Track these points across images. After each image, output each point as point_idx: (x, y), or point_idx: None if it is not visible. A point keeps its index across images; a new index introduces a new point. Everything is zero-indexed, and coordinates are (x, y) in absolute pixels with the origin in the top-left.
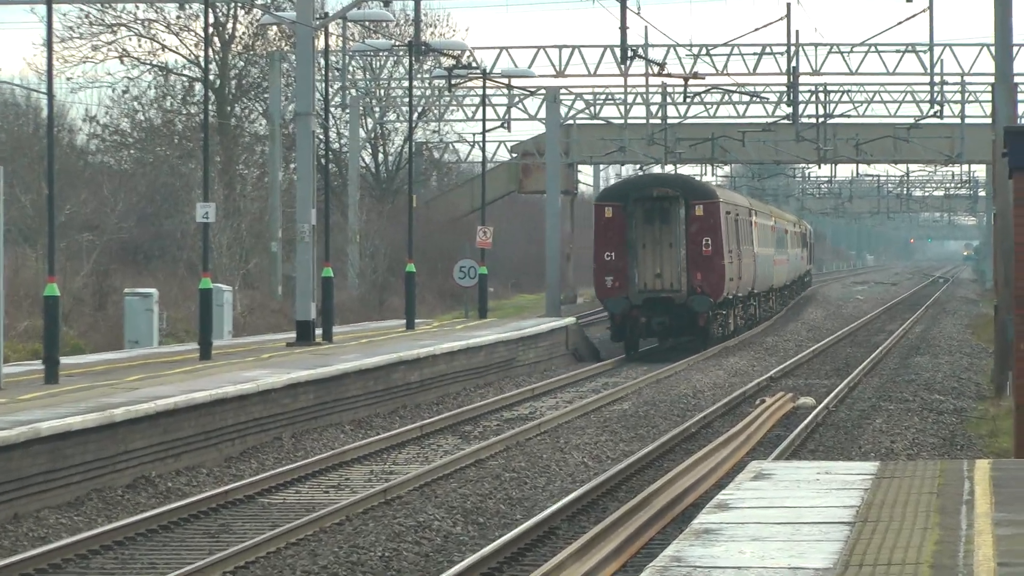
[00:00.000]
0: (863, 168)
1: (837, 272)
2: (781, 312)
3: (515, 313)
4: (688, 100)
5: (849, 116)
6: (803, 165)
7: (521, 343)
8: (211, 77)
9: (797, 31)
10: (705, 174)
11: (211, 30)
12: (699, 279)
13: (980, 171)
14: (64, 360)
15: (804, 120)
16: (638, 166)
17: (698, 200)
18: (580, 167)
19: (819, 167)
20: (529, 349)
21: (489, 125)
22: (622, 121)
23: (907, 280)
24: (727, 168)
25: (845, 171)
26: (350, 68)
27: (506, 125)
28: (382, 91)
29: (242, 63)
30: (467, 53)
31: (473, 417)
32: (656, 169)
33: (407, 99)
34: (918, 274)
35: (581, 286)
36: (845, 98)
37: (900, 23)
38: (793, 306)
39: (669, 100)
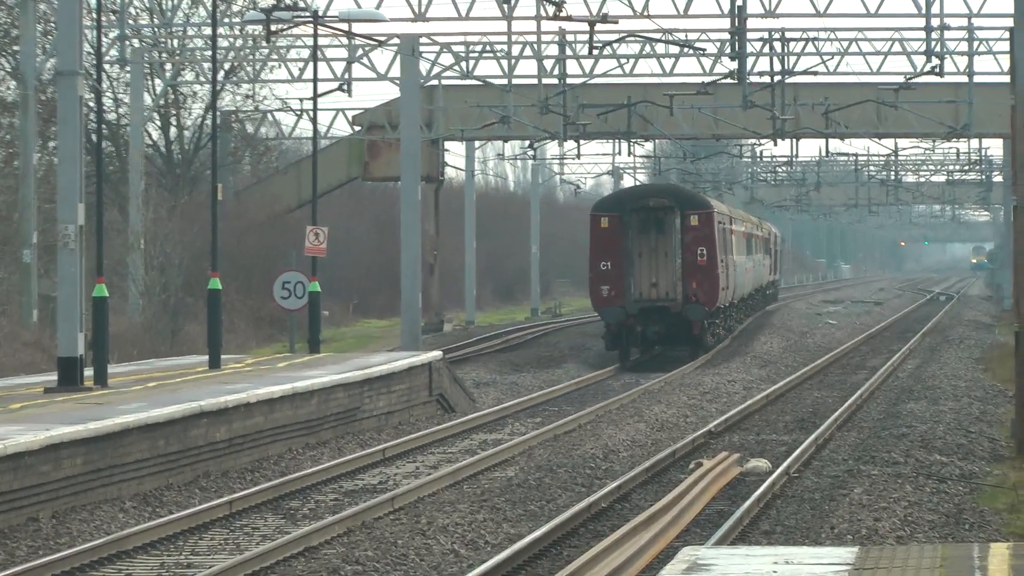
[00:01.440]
0: (835, 144)
1: (800, 288)
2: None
3: (359, 345)
4: (596, 53)
5: (816, 74)
6: (753, 141)
7: (368, 387)
8: None
9: None
10: (619, 153)
11: None
12: (694, 288)
13: (995, 147)
14: None
15: (754, 79)
16: (527, 143)
17: (693, 210)
18: (448, 145)
19: (775, 143)
20: (379, 395)
21: (323, 88)
22: (505, 82)
23: (896, 298)
24: (648, 145)
25: (810, 149)
26: (132, 10)
27: (346, 88)
28: (175, 42)
29: None
30: None
31: (302, 489)
32: (551, 146)
33: (209, 52)
34: (911, 289)
35: (450, 307)
36: (810, 49)
37: None
38: (743, 332)
39: (570, 53)
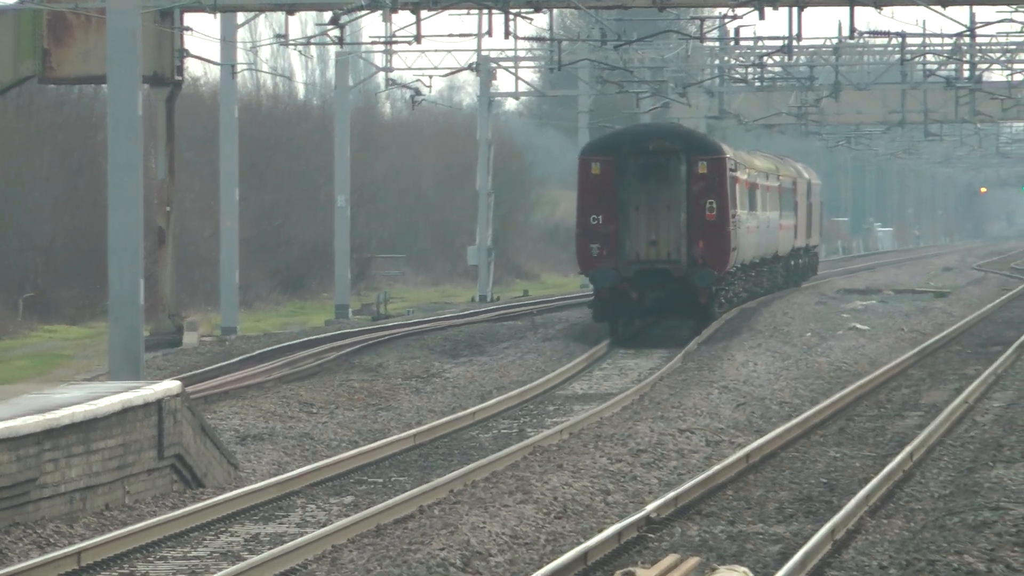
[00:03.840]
0: (865, 17)
1: None
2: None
3: (37, 370)
4: None
5: None
6: (722, 12)
7: (51, 443)
8: None
9: None
10: (488, 33)
11: None
12: (701, 248)
13: None
14: None
15: None
16: (327, 17)
17: (702, 156)
18: (190, 20)
19: (760, 15)
20: (70, 457)
21: None
22: None
23: (972, 284)
24: (541, 19)
25: (823, 24)
26: None
27: None
28: None
29: None
30: None
31: None
32: (370, 22)
33: None
34: (998, 268)
35: (195, 305)
36: None
37: None
38: (709, 341)
39: None
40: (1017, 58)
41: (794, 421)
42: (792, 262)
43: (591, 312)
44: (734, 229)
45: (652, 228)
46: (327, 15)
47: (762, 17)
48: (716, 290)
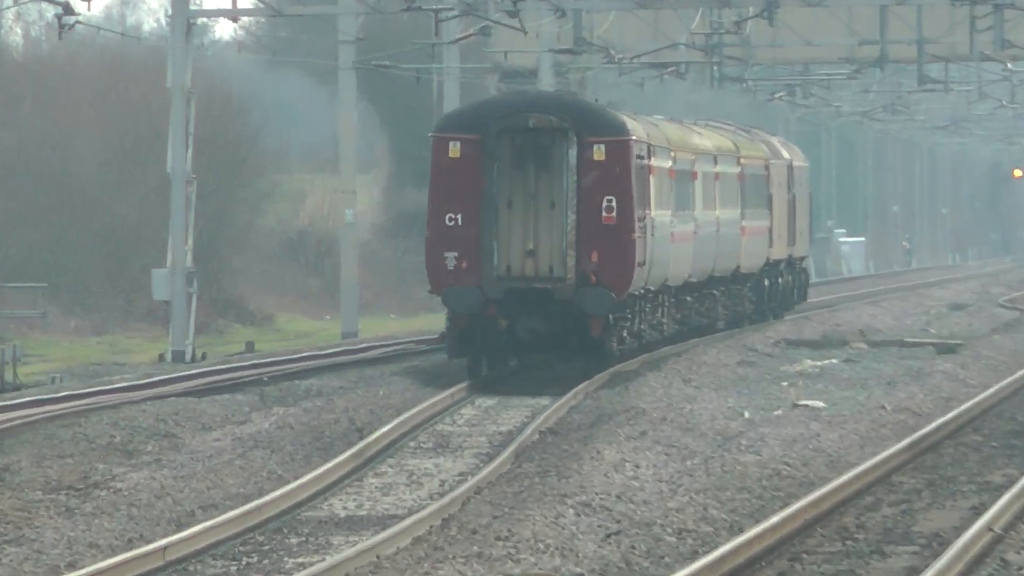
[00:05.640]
0: None
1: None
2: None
3: None
4: None
5: None
6: None
7: None
8: None
9: None
10: None
11: None
12: (595, 261)
13: None
14: None
15: None
16: None
17: (599, 136)
18: None
19: None
20: None
21: None
22: None
23: (996, 330)
24: None
25: None
26: None
27: None
28: None
29: None
30: None
31: None
32: None
33: None
34: None
35: None
36: None
37: None
38: (570, 433)
39: None
40: None
41: (702, 562)
42: (767, 281)
43: (445, 346)
44: (643, 236)
45: (529, 233)
46: None
47: None
48: (615, 320)
